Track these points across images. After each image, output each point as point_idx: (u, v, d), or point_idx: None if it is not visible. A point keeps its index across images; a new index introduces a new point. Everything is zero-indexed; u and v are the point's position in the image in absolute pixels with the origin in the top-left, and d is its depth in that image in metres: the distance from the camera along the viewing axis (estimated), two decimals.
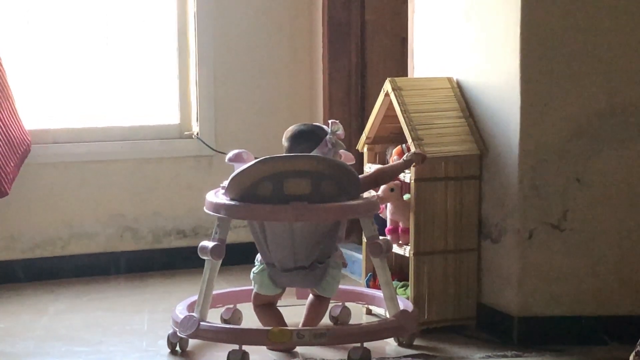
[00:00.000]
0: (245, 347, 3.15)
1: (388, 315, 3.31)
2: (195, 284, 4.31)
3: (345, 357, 3.17)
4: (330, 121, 3.36)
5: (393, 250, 3.57)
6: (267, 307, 3.41)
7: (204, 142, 4.63)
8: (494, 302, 3.51)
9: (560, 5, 3.30)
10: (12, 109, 4.23)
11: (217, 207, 3.24)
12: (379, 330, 3.26)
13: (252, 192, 3.15)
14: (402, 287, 3.63)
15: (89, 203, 4.51)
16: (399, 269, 3.79)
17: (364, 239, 3.44)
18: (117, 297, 4.17)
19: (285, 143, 3.38)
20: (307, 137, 3.34)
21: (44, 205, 4.43)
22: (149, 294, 4.19)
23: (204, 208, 3.32)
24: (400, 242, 3.56)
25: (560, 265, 3.38)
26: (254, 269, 3.40)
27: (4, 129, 4.13)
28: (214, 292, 3.36)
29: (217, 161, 4.65)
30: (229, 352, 3.15)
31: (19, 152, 4.22)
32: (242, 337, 3.18)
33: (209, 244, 3.24)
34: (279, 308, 3.44)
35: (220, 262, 3.25)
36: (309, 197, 3.14)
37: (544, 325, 3.39)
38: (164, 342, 3.44)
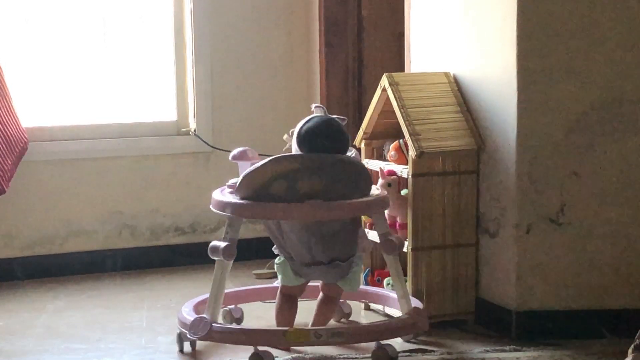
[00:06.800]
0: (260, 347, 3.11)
1: (401, 313, 3.28)
2: (194, 281, 4.34)
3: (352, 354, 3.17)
4: (314, 106, 3.36)
5: None
6: (287, 300, 3.37)
7: (201, 139, 4.63)
8: (492, 296, 3.52)
9: (557, 0, 3.30)
10: (9, 107, 4.22)
11: (231, 207, 3.16)
12: (395, 328, 3.23)
13: (265, 190, 3.09)
14: None
15: (86, 200, 4.50)
16: None
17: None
18: (115, 294, 4.17)
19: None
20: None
21: (41, 203, 4.43)
22: (148, 291, 4.19)
23: (212, 207, 3.25)
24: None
25: (558, 259, 3.38)
26: (276, 259, 3.38)
27: (1, 127, 4.12)
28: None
29: (214, 158, 4.65)
30: (250, 356, 3.10)
31: (17, 149, 4.22)
32: (258, 338, 3.12)
33: (220, 243, 3.16)
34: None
35: (231, 262, 3.19)
36: (323, 194, 3.09)
37: (543, 319, 3.39)
38: (163, 339, 3.45)
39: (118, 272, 4.52)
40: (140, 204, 4.59)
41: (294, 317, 3.39)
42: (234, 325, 3.42)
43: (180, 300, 4.01)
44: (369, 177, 3.21)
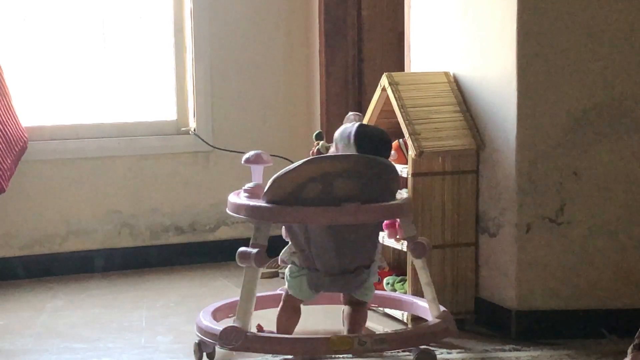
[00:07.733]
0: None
1: (431, 317, 3.23)
2: (193, 281, 4.34)
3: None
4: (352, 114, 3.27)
5: (390, 245, 3.58)
6: (293, 308, 3.23)
7: (201, 138, 4.62)
8: (492, 296, 3.52)
9: (557, 0, 3.30)
10: (9, 106, 4.23)
11: (264, 212, 3.00)
12: (434, 333, 3.16)
13: (297, 194, 2.95)
14: (400, 281, 3.63)
15: (86, 200, 4.50)
16: (396, 263, 3.79)
17: None
18: (114, 293, 4.16)
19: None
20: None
21: (41, 202, 4.43)
22: (147, 291, 4.19)
23: (230, 211, 3.12)
24: (397, 237, 3.55)
25: (557, 258, 3.38)
26: (289, 272, 3.18)
27: (0, 126, 4.13)
28: (231, 300, 3.29)
29: (214, 157, 4.65)
30: None
31: (16, 149, 4.22)
32: (300, 348, 3.01)
33: (251, 250, 3.00)
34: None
35: (262, 269, 3.07)
36: (359, 197, 3.00)
37: (542, 319, 3.39)
38: (162, 338, 3.44)
39: (117, 272, 4.51)
40: (140, 203, 4.59)
41: (296, 324, 3.25)
42: (271, 334, 3.18)
43: (180, 299, 4.02)
44: (399, 178, 3.13)
